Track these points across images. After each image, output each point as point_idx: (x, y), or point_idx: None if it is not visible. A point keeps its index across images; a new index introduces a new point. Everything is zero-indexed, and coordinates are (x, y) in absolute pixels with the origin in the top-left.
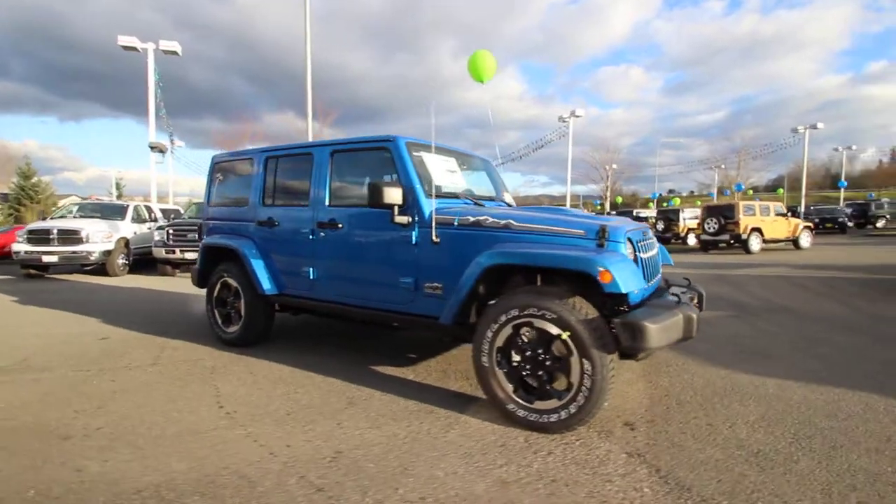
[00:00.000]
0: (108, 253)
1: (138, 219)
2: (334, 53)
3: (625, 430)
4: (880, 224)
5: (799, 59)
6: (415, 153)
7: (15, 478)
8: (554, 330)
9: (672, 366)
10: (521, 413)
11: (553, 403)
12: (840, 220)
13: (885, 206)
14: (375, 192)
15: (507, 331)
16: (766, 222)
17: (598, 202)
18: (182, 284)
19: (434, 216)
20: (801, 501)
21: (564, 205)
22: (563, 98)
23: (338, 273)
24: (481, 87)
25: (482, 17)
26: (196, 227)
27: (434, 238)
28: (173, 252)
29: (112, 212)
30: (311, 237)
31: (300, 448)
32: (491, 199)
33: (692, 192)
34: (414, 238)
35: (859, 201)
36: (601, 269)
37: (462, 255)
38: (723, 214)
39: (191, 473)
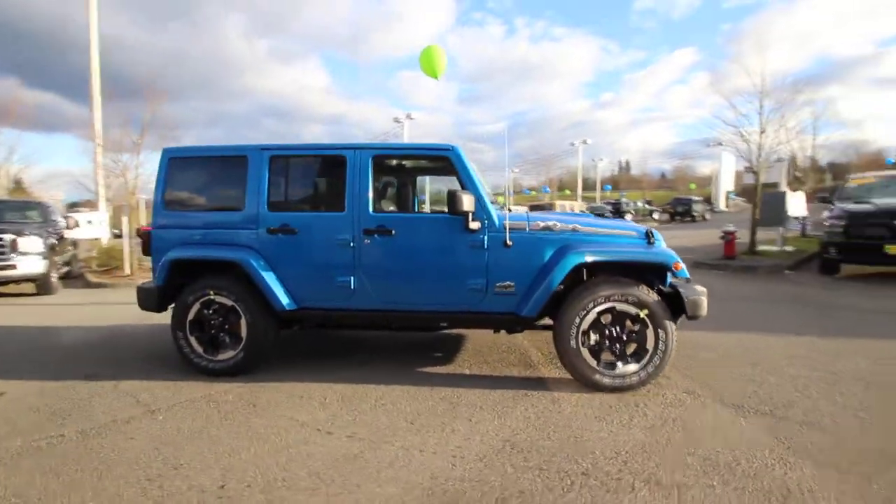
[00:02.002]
0: None
1: None
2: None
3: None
4: (628, 217)
5: (558, 85)
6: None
7: None
8: (633, 311)
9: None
10: (606, 381)
11: (633, 368)
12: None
13: (632, 204)
14: (455, 200)
15: (592, 315)
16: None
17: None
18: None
19: (507, 222)
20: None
21: None
22: (370, 97)
23: (390, 280)
24: (426, 78)
25: None
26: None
27: (507, 242)
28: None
29: None
30: (351, 244)
31: (473, 447)
32: None
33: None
34: (485, 242)
35: (613, 200)
36: (675, 261)
37: (534, 255)
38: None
39: (414, 492)
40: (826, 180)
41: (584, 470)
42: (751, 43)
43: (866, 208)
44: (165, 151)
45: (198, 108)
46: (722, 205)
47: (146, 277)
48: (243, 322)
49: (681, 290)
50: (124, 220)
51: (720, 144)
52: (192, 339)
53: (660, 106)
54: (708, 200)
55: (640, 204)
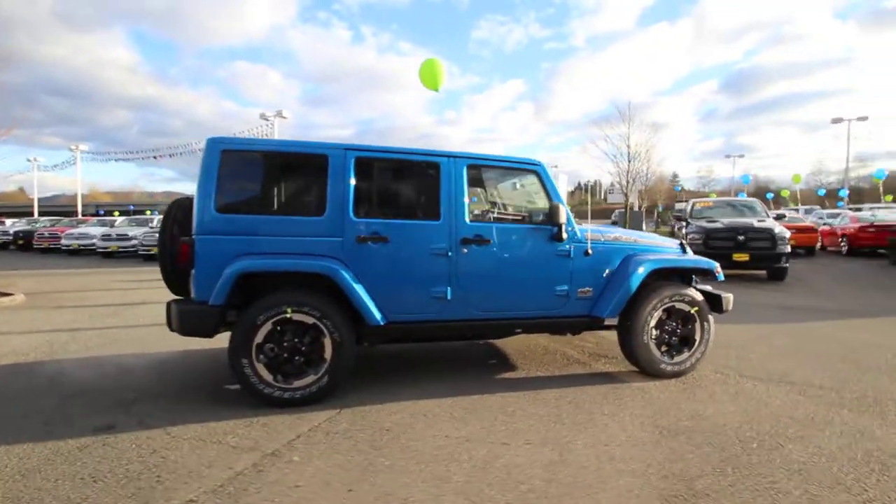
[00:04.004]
0: None
1: None
2: None
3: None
4: None
5: (405, 97)
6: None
7: None
8: (687, 308)
9: None
10: (668, 368)
11: (686, 355)
12: None
13: None
14: (556, 212)
15: (658, 314)
16: None
17: None
18: None
19: (589, 233)
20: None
21: None
22: (193, 84)
23: (487, 289)
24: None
25: None
26: None
27: (589, 251)
28: None
29: None
30: (448, 254)
31: (631, 435)
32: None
33: None
34: (571, 251)
35: None
36: (717, 267)
37: (607, 263)
38: None
39: (649, 478)
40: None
41: (746, 439)
42: (563, 82)
43: (717, 226)
44: (215, 142)
45: None
46: None
47: None
48: (328, 342)
49: (719, 292)
50: None
51: (555, 167)
52: (260, 366)
53: (495, 128)
54: None
55: None
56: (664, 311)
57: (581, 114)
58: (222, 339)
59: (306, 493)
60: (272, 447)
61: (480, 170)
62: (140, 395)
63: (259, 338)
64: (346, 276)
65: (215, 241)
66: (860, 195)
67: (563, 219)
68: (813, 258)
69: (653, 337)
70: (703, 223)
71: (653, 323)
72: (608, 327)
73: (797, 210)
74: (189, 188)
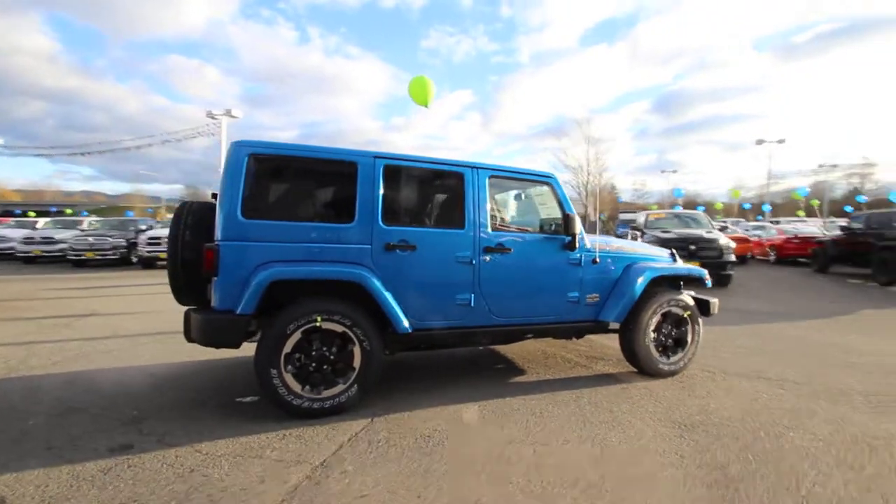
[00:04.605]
0: None
1: None
2: None
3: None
4: None
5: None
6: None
7: None
8: (681, 312)
9: None
10: (666, 368)
11: (679, 356)
12: None
13: None
14: (571, 222)
15: (657, 318)
16: None
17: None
18: None
19: (598, 243)
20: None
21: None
22: (120, 77)
23: (507, 296)
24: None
25: None
26: None
27: (596, 259)
28: None
29: None
30: (472, 262)
31: (654, 430)
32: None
33: None
34: (581, 260)
35: None
36: (706, 275)
37: (612, 271)
38: None
39: (695, 470)
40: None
41: (753, 429)
42: (509, 95)
43: (670, 236)
44: (241, 146)
45: None
46: None
47: None
48: (357, 350)
49: (707, 297)
50: None
51: None
52: (288, 377)
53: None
54: None
55: None
56: (661, 315)
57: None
58: (205, 351)
59: (375, 502)
60: (318, 458)
61: (504, 181)
62: (142, 411)
63: (288, 347)
64: (377, 283)
65: (241, 247)
66: (776, 210)
67: (578, 229)
68: (747, 266)
69: (652, 339)
70: (658, 233)
71: (652, 326)
72: (608, 331)
73: (725, 222)
74: (111, 187)
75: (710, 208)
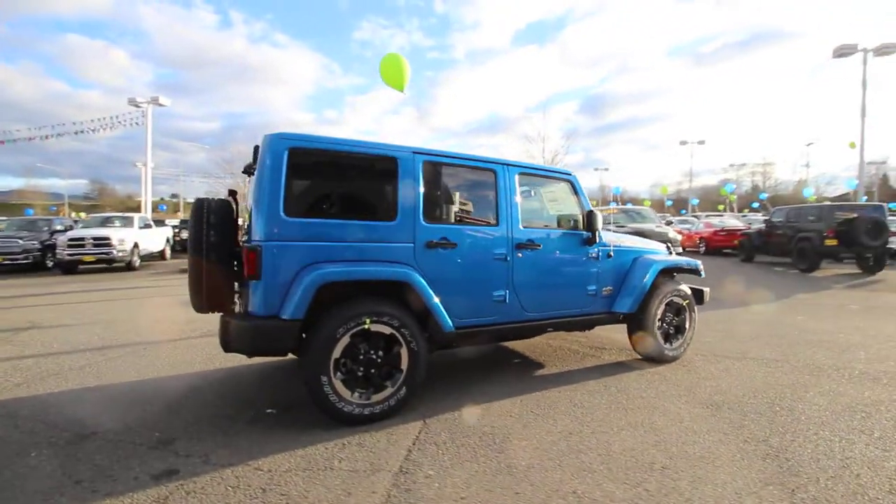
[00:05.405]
0: None
1: None
2: None
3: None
4: None
5: (280, 93)
6: None
7: None
8: (681, 301)
9: None
10: (670, 353)
11: (680, 342)
12: None
13: None
14: (594, 219)
15: (662, 307)
16: None
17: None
18: None
19: (612, 238)
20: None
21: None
22: (6, 57)
23: (536, 291)
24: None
25: None
26: None
27: (610, 254)
28: None
29: None
30: (507, 258)
31: (691, 413)
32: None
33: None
34: (599, 255)
35: None
36: (700, 266)
37: (624, 265)
38: None
39: (743, 446)
40: None
41: (768, 404)
42: (445, 91)
43: (626, 229)
44: (280, 139)
45: None
46: None
47: None
48: (404, 352)
49: (701, 287)
50: None
51: None
52: (338, 383)
53: (378, 130)
54: None
55: None
56: (665, 304)
57: (462, 123)
58: (190, 362)
59: (477, 502)
60: (393, 465)
61: (530, 178)
62: (164, 432)
63: (337, 353)
64: (424, 282)
65: (285, 247)
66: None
67: (599, 225)
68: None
69: (658, 327)
70: (613, 228)
71: (658, 315)
72: (618, 322)
73: (666, 216)
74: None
75: (637, 204)
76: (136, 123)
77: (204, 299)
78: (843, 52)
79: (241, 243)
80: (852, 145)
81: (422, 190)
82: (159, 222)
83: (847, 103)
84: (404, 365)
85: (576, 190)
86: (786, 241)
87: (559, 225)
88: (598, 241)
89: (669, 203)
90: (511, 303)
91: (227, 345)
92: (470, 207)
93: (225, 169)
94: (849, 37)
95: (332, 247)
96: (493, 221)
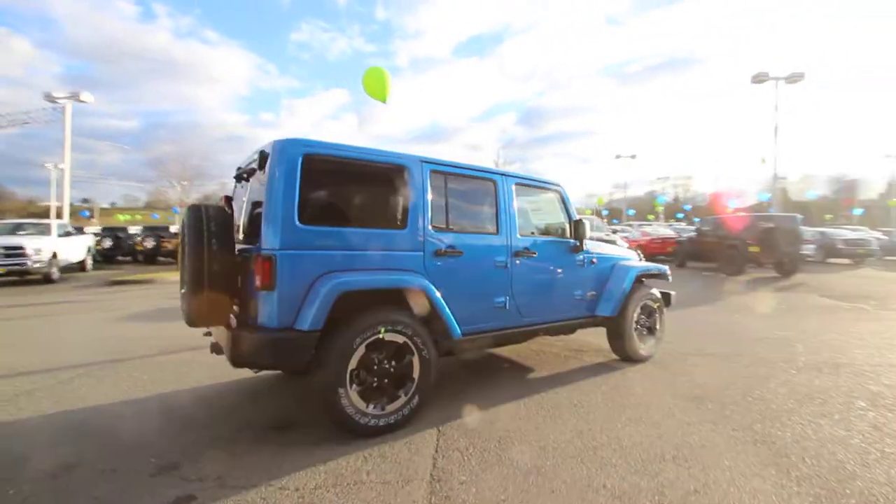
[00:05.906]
0: None
1: None
2: None
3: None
4: None
5: (210, 92)
6: None
7: None
8: (653, 304)
9: None
10: (645, 353)
11: (653, 342)
12: None
13: None
14: (581, 227)
15: (638, 311)
16: None
17: None
18: None
19: (591, 246)
20: None
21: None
22: None
23: (531, 297)
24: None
25: None
26: None
27: (594, 260)
28: None
29: None
30: (507, 266)
31: (685, 407)
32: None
33: (114, 203)
34: (585, 261)
35: None
36: (668, 271)
37: (604, 271)
38: None
39: (740, 433)
40: None
41: (741, 395)
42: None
43: None
44: (294, 145)
45: None
46: None
47: None
48: (416, 360)
49: (668, 291)
50: None
51: None
52: (354, 395)
53: (318, 135)
54: None
55: None
56: (640, 307)
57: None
58: (155, 381)
59: None
60: (423, 474)
61: (523, 188)
62: (161, 457)
63: (353, 364)
64: (435, 290)
65: (300, 256)
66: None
67: (587, 233)
68: None
69: (634, 329)
70: None
71: (635, 317)
72: (597, 325)
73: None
74: None
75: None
76: (46, 121)
77: (206, 312)
78: (759, 78)
79: (238, 253)
80: (763, 161)
81: (429, 198)
82: (78, 229)
83: (755, 123)
84: (416, 373)
85: (564, 200)
86: (714, 248)
87: (549, 233)
88: (584, 248)
89: (606, 213)
90: (510, 309)
91: (240, 359)
92: (473, 216)
93: (160, 171)
94: (752, 63)
95: (345, 255)
96: (493, 230)
